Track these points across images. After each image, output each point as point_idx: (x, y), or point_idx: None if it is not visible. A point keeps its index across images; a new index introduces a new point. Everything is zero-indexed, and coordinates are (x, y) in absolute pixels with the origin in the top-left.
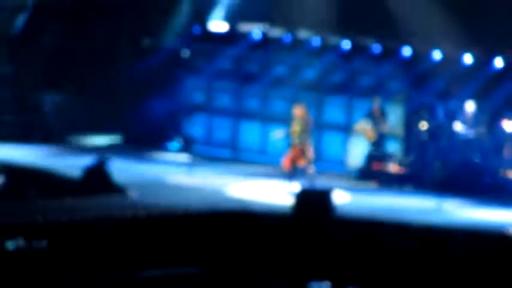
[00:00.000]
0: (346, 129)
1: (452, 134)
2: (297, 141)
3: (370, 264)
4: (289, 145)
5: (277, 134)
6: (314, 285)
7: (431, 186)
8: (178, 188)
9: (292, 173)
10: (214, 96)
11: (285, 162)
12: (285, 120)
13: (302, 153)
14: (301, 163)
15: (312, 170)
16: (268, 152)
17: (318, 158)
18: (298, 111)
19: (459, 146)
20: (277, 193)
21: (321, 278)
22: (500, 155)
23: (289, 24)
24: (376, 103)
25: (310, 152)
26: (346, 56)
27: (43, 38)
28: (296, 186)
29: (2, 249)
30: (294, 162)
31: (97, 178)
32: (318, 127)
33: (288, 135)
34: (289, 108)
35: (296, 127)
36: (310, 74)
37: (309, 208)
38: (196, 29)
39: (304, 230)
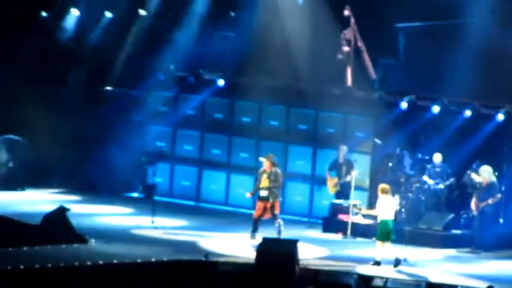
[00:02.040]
0: (311, 179)
1: (421, 185)
2: (264, 195)
3: None
4: (258, 198)
5: (247, 195)
6: None
7: (396, 239)
8: (140, 238)
9: (255, 226)
10: (178, 144)
11: (254, 214)
12: (249, 169)
13: (269, 208)
14: (266, 217)
15: (279, 222)
16: (231, 203)
17: (283, 208)
18: (265, 164)
19: (427, 197)
20: (240, 246)
21: None
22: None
23: (255, 73)
24: (341, 152)
25: (277, 208)
26: (311, 105)
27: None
28: (257, 240)
29: None
30: (259, 216)
31: (57, 226)
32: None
33: (257, 190)
34: (253, 157)
35: (264, 181)
36: (274, 122)
37: (272, 258)
38: (161, 76)
39: (267, 279)
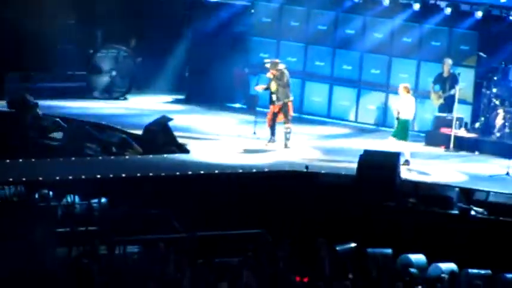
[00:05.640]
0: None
1: None
2: (274, 99)
3: (435, 230)
4: (270, 102)
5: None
6: (375, 251)
7: (499, 153)
8: (242, 148)
9: (272, 130)
10: (281, 56)
11: (267, 118)
12: (351, 82)
13: (280, 110)
14: (280, 120)
15: (288, 127)
16: (333, 115)
17: (385, 121)
18: (271, 70)
19: None
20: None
21: (383, 244)
22: None
23: None
24: (446, 66)
25: (290, 109)
26: (416, 17)
27: None
28: (271, 143)
29: (62, 204)
30: (272, 119)
31: (158, 135)
32: (386, 89)
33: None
34: (356, 70)
35: (272, 86)
36: (379, 35)
37: (374, 170)
38: None
39: (368, 191)
